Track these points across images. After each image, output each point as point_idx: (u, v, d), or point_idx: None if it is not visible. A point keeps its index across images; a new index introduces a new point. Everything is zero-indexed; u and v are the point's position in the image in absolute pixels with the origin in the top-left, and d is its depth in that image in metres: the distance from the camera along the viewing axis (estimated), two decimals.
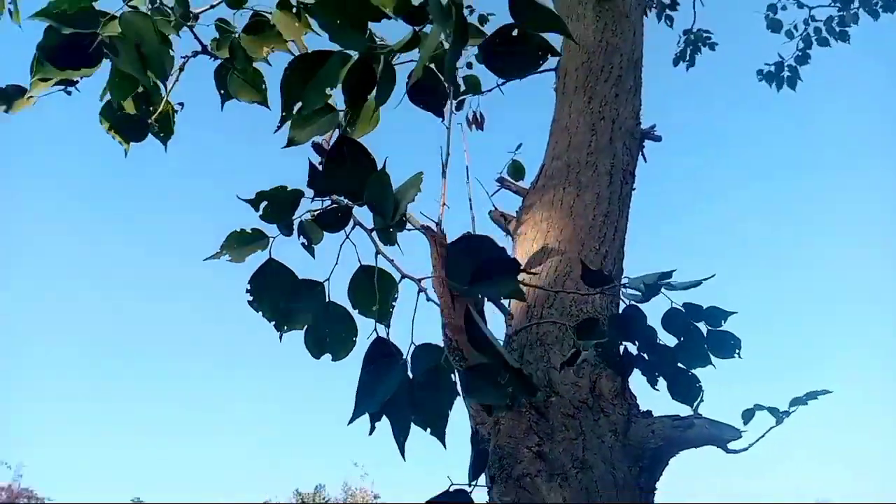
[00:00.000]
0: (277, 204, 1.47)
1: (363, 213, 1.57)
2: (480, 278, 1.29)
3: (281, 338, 1.49)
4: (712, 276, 1.71)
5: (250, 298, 1.50)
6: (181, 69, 1.91)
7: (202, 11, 2.01)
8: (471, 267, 1.29)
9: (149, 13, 1.60)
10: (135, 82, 1.64)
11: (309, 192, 1.44)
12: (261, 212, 1.50)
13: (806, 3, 6.22)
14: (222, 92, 1.94)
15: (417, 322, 1.35)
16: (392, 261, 1.41)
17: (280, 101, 1.39)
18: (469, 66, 3.24)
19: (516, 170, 2.96)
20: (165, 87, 1.78)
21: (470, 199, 2.10)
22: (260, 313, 1.50)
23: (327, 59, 1.35)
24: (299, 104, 1.38)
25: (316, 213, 1.46)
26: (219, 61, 1.85)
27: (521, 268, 1.36)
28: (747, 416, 1.88)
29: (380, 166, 1.40)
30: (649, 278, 1.67)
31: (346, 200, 1.51)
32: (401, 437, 1.24)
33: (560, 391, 1.83)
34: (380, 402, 1.22)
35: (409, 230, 1.46)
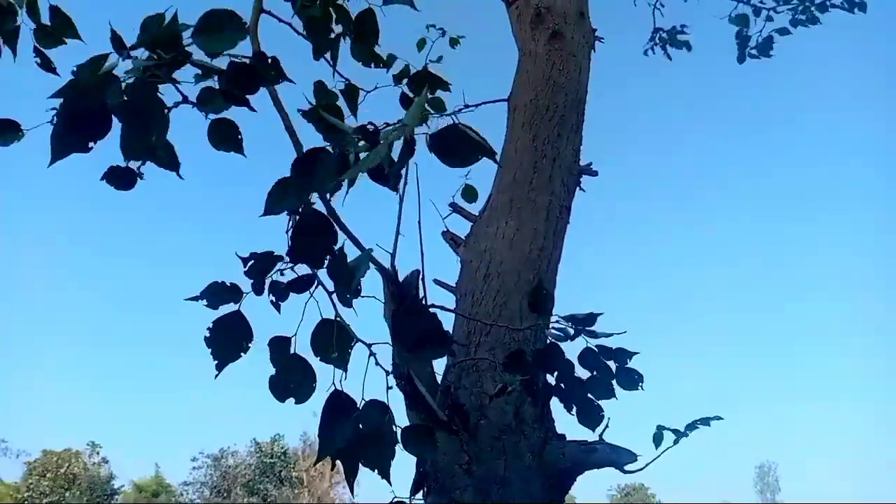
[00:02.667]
0: (260, 264, 1.73)
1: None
2: (420, 345, 1.59)
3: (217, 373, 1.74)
4: (623, 332, 2.03)
5: (207, 335, 1.76)
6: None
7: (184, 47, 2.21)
8: (413, 334, 1.58)
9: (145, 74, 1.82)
10: (144, 142, 1.87)
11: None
12: (246, 268, 1.77)
13: (766, 5, 6.44)
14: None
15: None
16: (349, 326, 1.68)
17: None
18: (432, 91, 3.45)
19: (469, 192, 3.23)
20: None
21: (420, 240, 2.37)
22: (209, 349, 1.76)
23: (320, 156, 1.62)
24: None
25: (288, 282, 1.73)
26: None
27: (453, 339, 1.65)
28: (657, 438, 2.21)
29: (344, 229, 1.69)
30: (576, 319, 1.98)
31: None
32: (351, 477, 1.55)
33: (489, 415, 2.14)
34: (336, 448, 1.52)
35: (363, 297, 1.72)
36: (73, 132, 1.74)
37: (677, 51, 6.53)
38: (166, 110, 1.99)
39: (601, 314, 2.15)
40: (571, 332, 2.02)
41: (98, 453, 43.61)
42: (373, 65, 2.44)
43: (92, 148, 1.89)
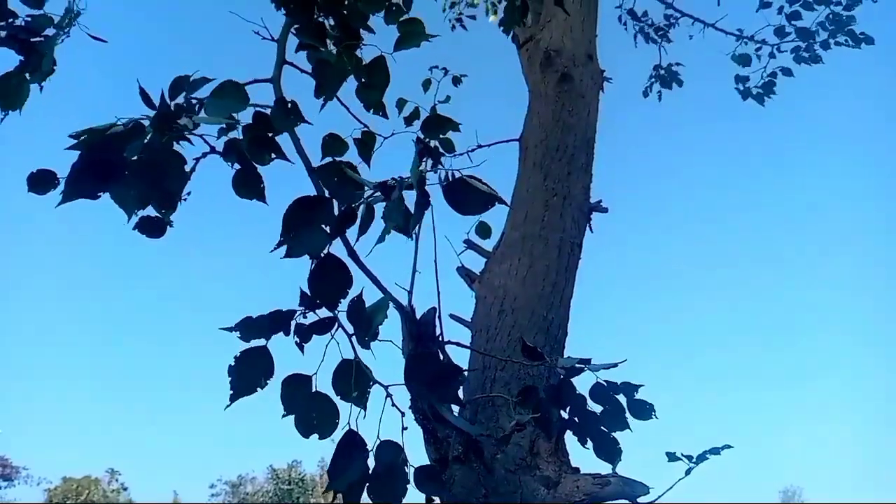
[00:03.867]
0: (272, 322, 1.84)
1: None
2: (434, 384, 1.69)
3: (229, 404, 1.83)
4: (624, 360, 2.11)
5: (231, 364, 1.86)
6: (192, 170, 2.25)
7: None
8: (427, 377, 1.68)
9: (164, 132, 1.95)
10: (149, 198, 2.00)
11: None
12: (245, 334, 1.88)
13: (769, 42, 6.58)
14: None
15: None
16: (367, 368, 1.78)
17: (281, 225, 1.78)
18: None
19: (483, 229, 3.33)
20: (182, 196, 2.13)
21: (437, 277, 2.47)
22: (229, 379, 1.86)
23: (322, 203, 1.73)
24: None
25: (310, 323, 1.83)
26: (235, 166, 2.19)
27: (462, 371, 1.75)
28: (672, 457, 2.29)
29: (359, 283, 1.79)
30: (570, 361, 2.07)
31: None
32: None
33: (504, 449, 2.22)
34: (346, 483, 1.62)
35: (380, 340, 1.83)
36: (86, 180, 1.86)
37: (680, 89, 6.64)
38: (187, 166, 2.13)
39: (623, 361, 2.18)
40: (580, 368, 2.10)
41: (117, 480, 43.74)
42: (372, 111, 2.53)
43: (100, 196, 2.02)
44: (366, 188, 1.86)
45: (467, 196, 1.77)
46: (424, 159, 1.81)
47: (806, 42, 6.81)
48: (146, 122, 1.90)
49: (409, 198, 1.91)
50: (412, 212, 1.77)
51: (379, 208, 1.86)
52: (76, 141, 1.86)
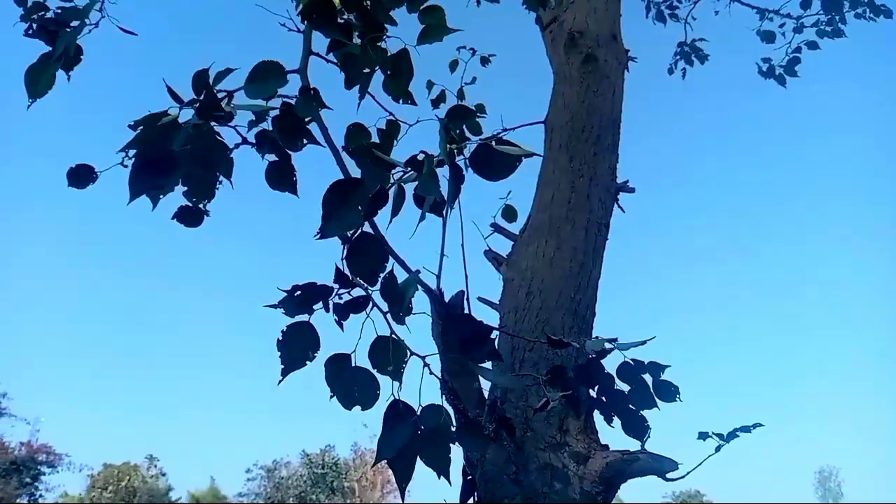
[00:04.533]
0: (309, 294, 1.90)
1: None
2: (467, 347, 1.74)
3: (281, 379, 1.89)
4: (653, 337, 2.12)
5: (280, 339, 1.92)
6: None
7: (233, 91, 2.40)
8: (459, 339, 1.74)
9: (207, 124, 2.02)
10: (208, 183, 2.07)
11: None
12: (294, 297, 1.94)
13: (793, 15, 6.46)
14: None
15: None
16: (402, 340, 1.83)
17: (322, 207, 1.83)
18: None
19: (509, 213, 3.35)
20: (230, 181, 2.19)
21: (464, 261, 2.51)
22: (279, 354, 1.92)
23: (356, 185, 1.78)
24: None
25: (346, 301, 1.89)
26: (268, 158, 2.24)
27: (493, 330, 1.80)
28: (703, 435, 2.31)
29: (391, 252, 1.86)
30: (598, 344, 2.09)
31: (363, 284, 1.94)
32: (404, 482, 1.70)
33: (534, 427, 2.26)
34: (395, 448, 1.67)
35: (414, 314, 1.87)
36: (145, 175, 1.93)
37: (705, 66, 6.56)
38: (229, 152, 2.19)
39: (652, 339, 2.20)
40: (608, 347, 2.12)
41: (156, 466, 44.83)
42: (401, 101, 2.57)
43: (163, 187, 2.09)
44: (397, 168, 1.90)
45: (494, 161, 1.81)
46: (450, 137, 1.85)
47: (830, 14, 6.69)
48: (180, 113, 1.97)
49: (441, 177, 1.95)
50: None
51: (409, 189, 1.90)
52: (133, 133, 1.94)
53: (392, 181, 1.85)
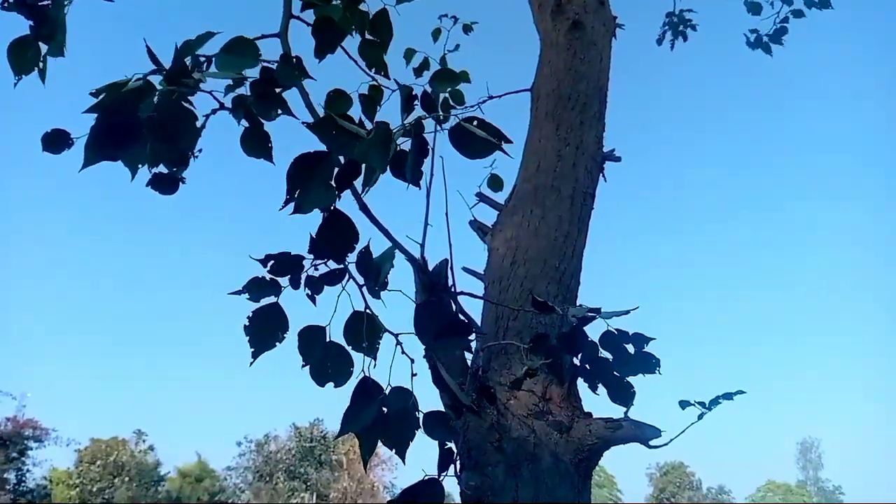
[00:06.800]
0: (282, 264, 1.86)
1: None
2: (442, 336, 1.71)
3: (252, 361, 1.86)
4: (636, 307, 2.11)
5: (246, 324, 1.89)
6: (202, 127, 2.25)
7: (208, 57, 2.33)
8: (435, 326, 1.70)
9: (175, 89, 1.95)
10: (171, 152, 2.00)
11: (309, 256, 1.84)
12: (268, 268, 1.89)
13: None
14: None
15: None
16: (377, 317, 1.80)
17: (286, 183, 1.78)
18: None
19: (495, 182, 3.32)
20: (193, 153, 2.14)
21: (448, 231, 2.48)
22: (247, 338, 1.89)
23: (323, 158, 1.73)
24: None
25: (321, 274, 1.85)
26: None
27: (475, 330, 1.76)
28: (684, 403, 2.31)
29: (370, 236, 1.81)
30: (581, 310, 2.08)
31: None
32: (367, 454, 1.68)
33: (518, 395, 2.25)
34: (359, 426, 1.65)
35: (391, 290, 1.84)
36: (104, 142, 1.87)
37: (699, 35, 6.51)
38: (198, 122, 2.13)
39: (636, 308, 2.20)
40: (590, 315, 2.10)
41: (144, 441, 44.97)
42: (374, 70, 2.49)
43: (119, 159, 2.02)
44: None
45: (469, 140, 1.77)
46: (415, 105, 1.80)
47: None
48: (154, 80, 1.90)
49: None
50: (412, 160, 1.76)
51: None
52: (95, 100, 1.87)
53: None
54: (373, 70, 2.49)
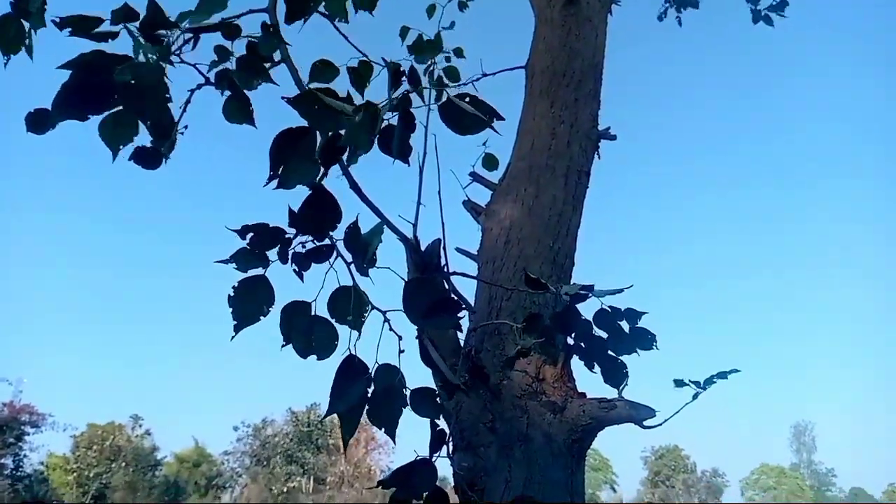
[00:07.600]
0: (261, 236, 1.81)
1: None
2: (431, 314, 1.67)
3: (234, 335, 1.82)
4: (630, 286, 2.07)
5: (231, 294, 1.84)
6: (188, 101, 2.20)
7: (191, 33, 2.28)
8: (424, 304, 1.66)
9: (153, 57, 1.89)
10: (134, 129, 1.95)
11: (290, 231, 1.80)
12: (247, 240, 1.84)
13: None
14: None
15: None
16: (364, 293, 1.76)
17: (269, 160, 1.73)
18: (447, 59, 3.49)
19: (489, 161, 3.27)
20: (178, 129, 2.08)
21: (441, 209, 2.43)
22: (230, 309, 1.84)
23: (305, 134, 1.68)
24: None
25: (307, 250, 1.81)
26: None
27: (465, 308, 1.72)
28: (679, 383, 2.28)
29: (357, 212, 1.76)
30: (573, 288, 2.04)
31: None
32: (347, 434, 1.65)
33: (511, 376, 2.22)
34: (347, 405, 1.61)
35: (378, 267, 1.79)
36: (73, 100, 1.81)
37: (695, 11, 6.43)
38: (185, 97, 2.08)
39: (629, 287, 2.16)
40: (584, 294, 2.06)
41: (140, 426, 45.06)
42: (336, 20, 2.38)
43: (88, 118, 1.96)
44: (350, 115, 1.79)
45: (460, 116, 1.72)
46: (402, 81, 1.74)
47: None
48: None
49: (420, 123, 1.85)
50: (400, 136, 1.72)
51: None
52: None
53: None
54: (334, 21, 2.40)
